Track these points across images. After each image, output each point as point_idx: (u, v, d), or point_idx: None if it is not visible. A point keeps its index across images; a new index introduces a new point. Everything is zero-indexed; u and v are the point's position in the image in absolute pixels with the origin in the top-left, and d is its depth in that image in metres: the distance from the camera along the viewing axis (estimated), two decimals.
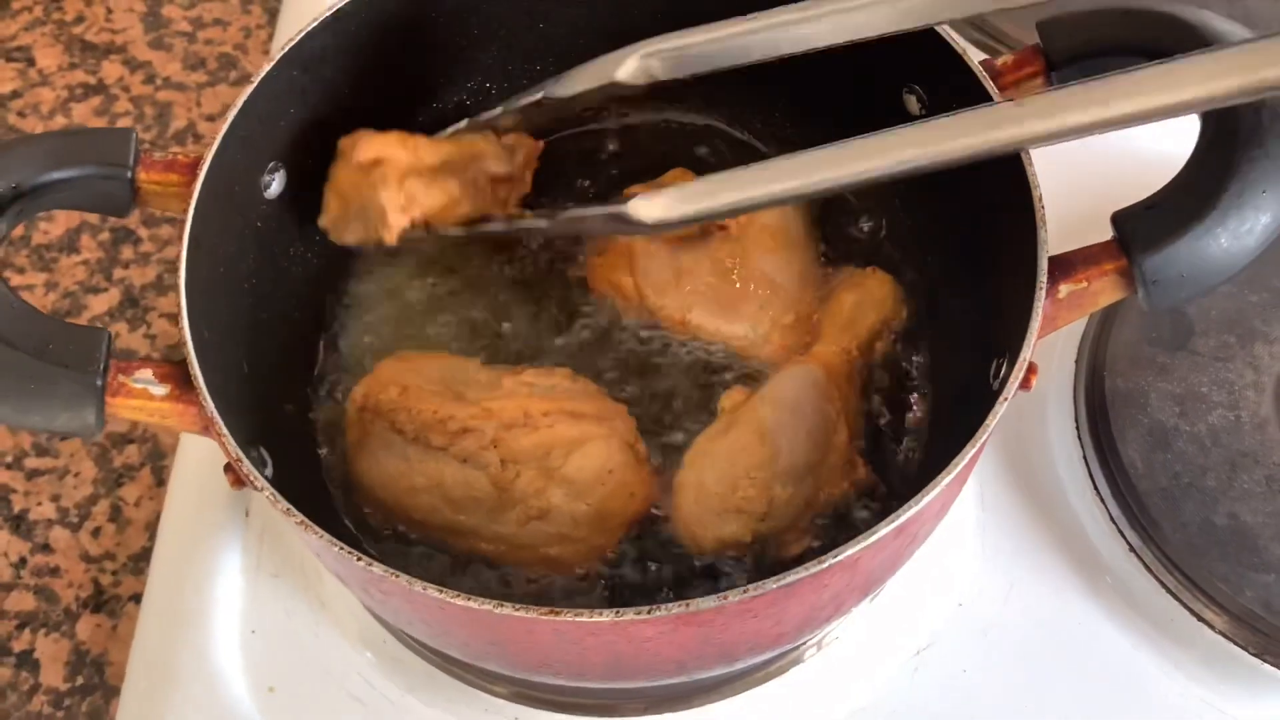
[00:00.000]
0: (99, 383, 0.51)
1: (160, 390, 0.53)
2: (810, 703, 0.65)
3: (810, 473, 0.61)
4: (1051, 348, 0.74)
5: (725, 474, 0.61)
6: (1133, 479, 0.67)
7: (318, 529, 0.49)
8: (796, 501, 0.61)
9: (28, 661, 0.73)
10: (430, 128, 0.74)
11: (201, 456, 0.73)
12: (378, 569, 0.47)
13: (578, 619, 0.46)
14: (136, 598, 0.73)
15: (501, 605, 0.46)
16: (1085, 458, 0.69)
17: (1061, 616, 0.67)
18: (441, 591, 0.46)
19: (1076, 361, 0.72)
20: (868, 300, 0.67)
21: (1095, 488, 0.69)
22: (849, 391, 0.65)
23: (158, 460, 0.79)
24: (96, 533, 0.77)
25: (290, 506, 0.49)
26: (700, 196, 0.54)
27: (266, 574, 0.70)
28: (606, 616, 0.46)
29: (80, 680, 0.73)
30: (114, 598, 0.75)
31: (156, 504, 0.77)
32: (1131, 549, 0.67)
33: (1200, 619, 0.64)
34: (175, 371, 0.53)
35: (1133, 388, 0.70)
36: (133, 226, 0.88)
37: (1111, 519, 0.68)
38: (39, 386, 0.51)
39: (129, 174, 0.58)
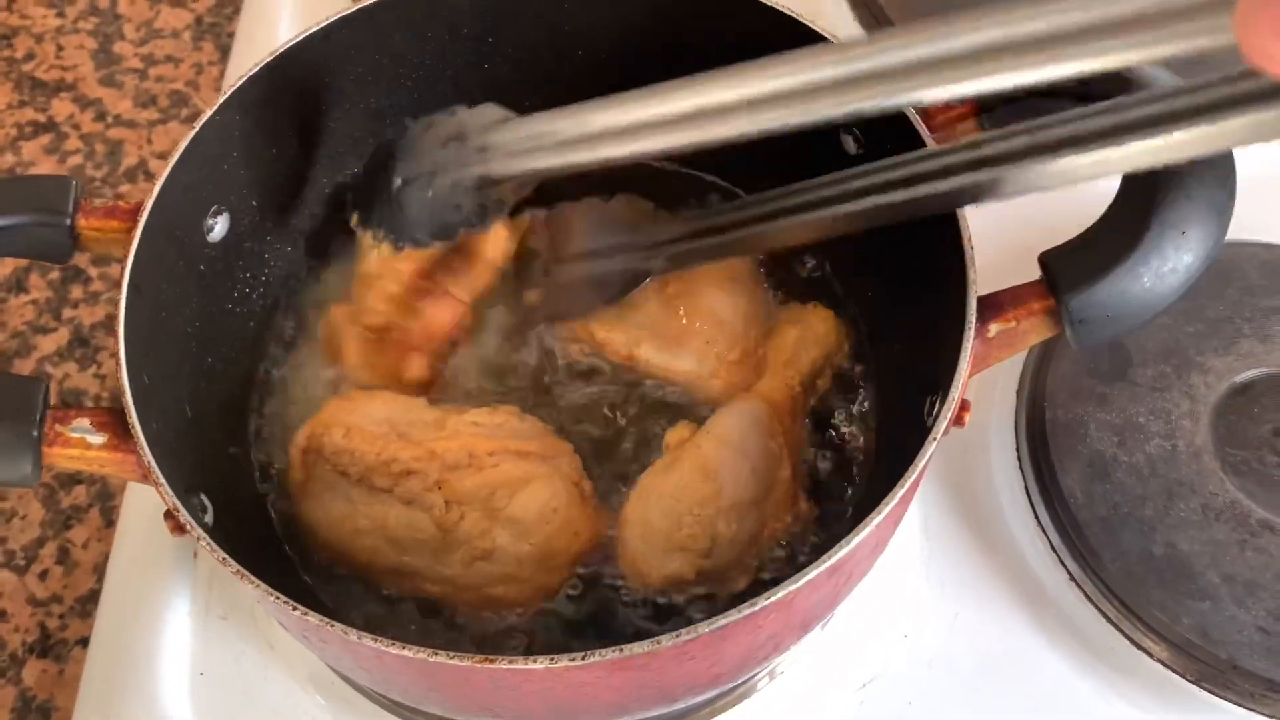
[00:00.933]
0: (35, 433, 0.51)
1: (98, 439, 0.53)
2: None
3: (754, 508, 0.62)
4: (994, 380, 0.75)
5: (669, 510, 0.61)
6: (1073, 509, 0.68)
7: (253, 578, 0.49)
8: (740, 538, 0.61)
9: None
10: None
11: (150, 498, 0.73)
12: (313, 618, 0.47)
13: (512, 666, 0.46)
14: (84, 641, 0.73)
15: (436, 654, 0.46)
16: (1026, 488, 0.70)
17: (1005, 646, 0.68)
18: (377, 641, 0.47)
19: (1018, 393, 0.74)
20: (809, 335, 0.68)
21: (1037, 518, 0.69)
22: (793, 426, 0.66)
23: (106, 501, 0.78)
24: (44, 575, 0.76)
25: (226, 556, 0.49)
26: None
27: (215, 616, 0.70)
28: (540, 664, 0.46)
29: None
30: (61, 642, 0.74)
31: (105, 545, 0.76)
32: (1072, 578, 0.68)
33: (1139, 647, 0.65)
34: (113, 420, 0.53)
35: (1072, 418, 0.71)
36: (82, 266, 0.88)
37: (1053, 548, 0.68)
38: None
39: (68, 221, 0.58)
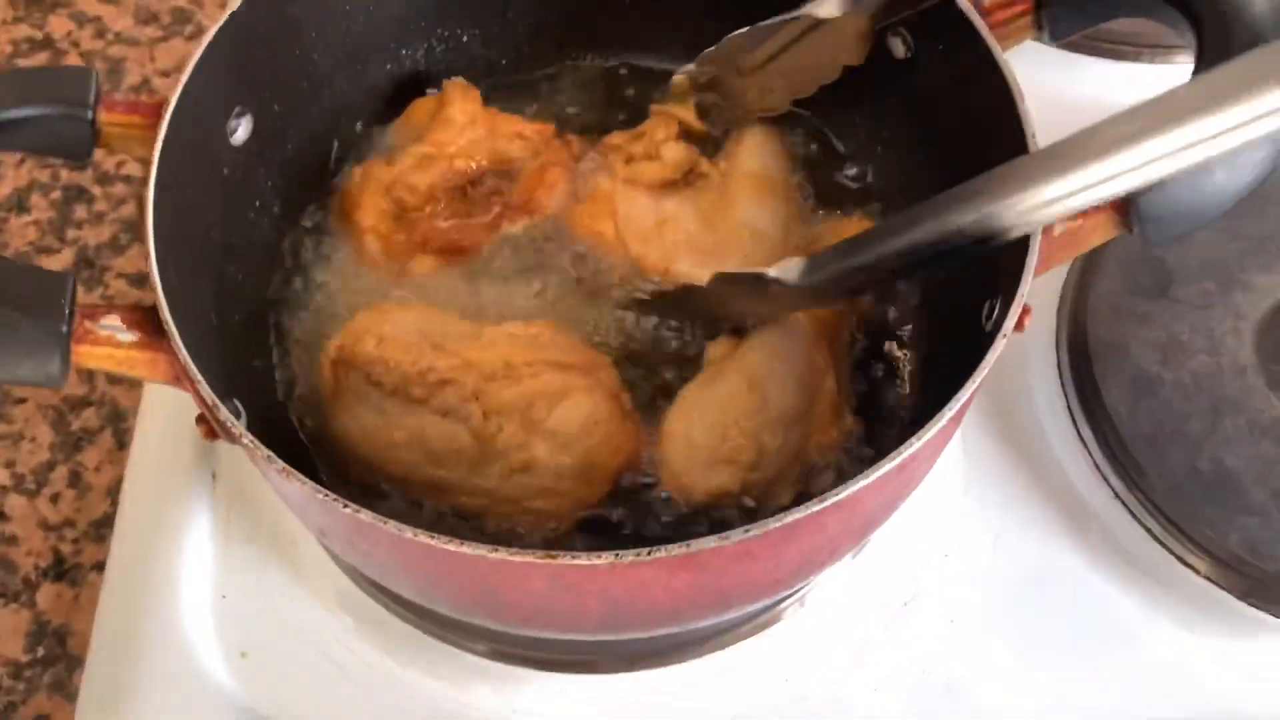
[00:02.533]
0: (64, 329, 0.49)
1: (128, 337, 0.50)
2: (798, 655, 0.64)
3: (799, 421, 0.60)
4: (1033, 299, 0.73)
5: (714, 423, 0.60)
6: (1117, 426, 0.67)
7: (301, 477, 0.47)
8: (786, 450, 0.60)
9: None
10: (398, 75, 0.72)
11: (165, 418, 0.71)
12: (366, 516, 0.45)
13: (575, 562, 0.44)
14: (99, 566, 0.71)
15: (496, 550, 0.44)
16: (1069, 407, 0.69)
17: (1048, 565, 0.67)
18: (434, 538, 0.45)
19: (1058, 312, 0.72)
20: None
21: (1079, 436, 0.68)
22: (835, 339, 0.64)
23: (118, 423, 0.76)
24: (55, 499, 0.74)
25: (271, 454, 0.48)
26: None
27: (237, 539, 0.68)
28: (605, 559, 0.44)
29: (41, 651, 0.70)
30: (75, 566, 0.72)
31: (118, 469, 0.74)
32: (1116, 495, 0.67)
33: (1185, 564, 0.65)
34: (144, 318, 0.51)
35: (1115, 336, 0.69)
36: (86, 185, 0.85)
37: (1096, 466, 0.67)
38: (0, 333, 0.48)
39: (90, 114, 0.55)
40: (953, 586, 0.66)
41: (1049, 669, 0.64)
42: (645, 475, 0.61)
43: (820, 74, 0.67)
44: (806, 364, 0.61)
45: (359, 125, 0.72)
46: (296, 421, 0.64)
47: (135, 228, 0.83)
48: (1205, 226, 0.52)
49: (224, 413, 0.49)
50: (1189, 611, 0.65)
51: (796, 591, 0.64)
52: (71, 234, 0.83)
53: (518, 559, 0.44)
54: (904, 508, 0.67)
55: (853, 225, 0.67)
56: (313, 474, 0.62)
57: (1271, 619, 0.63)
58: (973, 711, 0.63)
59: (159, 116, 0.55)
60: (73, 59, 0.91)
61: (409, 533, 0.45)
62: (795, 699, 0.63)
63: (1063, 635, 0.65)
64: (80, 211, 0.84)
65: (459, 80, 0.71)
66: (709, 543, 0.44)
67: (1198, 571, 0.64)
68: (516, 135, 0.69)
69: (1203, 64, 0.52)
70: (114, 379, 0.78)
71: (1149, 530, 0.66)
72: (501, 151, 0.69)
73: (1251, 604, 0.63)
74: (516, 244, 0.68)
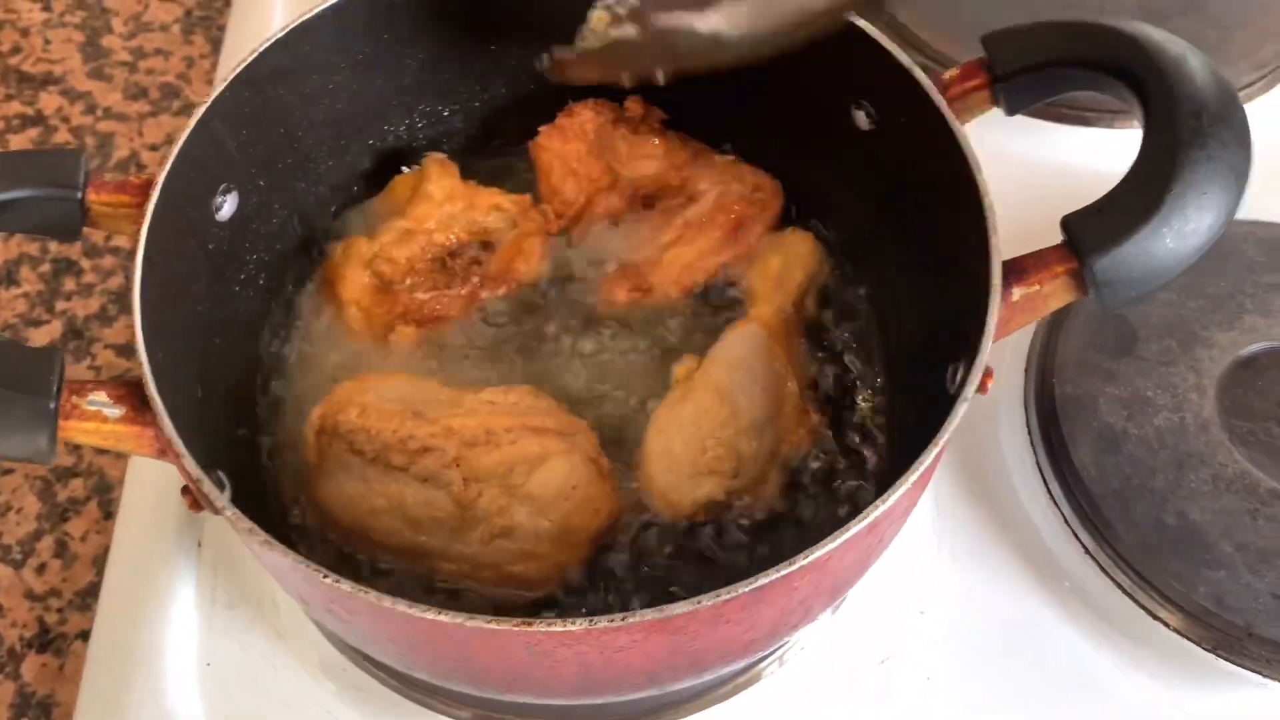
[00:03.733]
0: (52, 406, 0.50)
1: (115, 412, 0.52)
2: (778, 714, 0.65)
3: (769, 424, 0.63)
4: (1001, 358, 0.75)
5: (691, 438, 0.62)
6: (1085, 482, 0.68)
7: (283, 548, 0.48)
8: (762, 454, 0.62)
9: None
10: (381, 150, 0.74)
11: (151, 487, 0.72)
12: (346, 586, 0.46)
13: (550, 629, 0.45)
14: (84, 635, 0.71)
15: (473, 618, 0.45)
16: (1038, 463, 0.71)
17: (1021, 619, 0.68)
18: (411, 607, 0.46)
19: (1026, 370, 0.74)
20: (792, 258, 0.70)
21: (1049, 491, 0.70)
22: (791, 346, 0.67)
23: (104, 493, 0.77)
24: (41, 569, 0.75)
25: (254, 526, 0.49)
26: None
27: (221, 606, 0.69)
28: (579, 625, 0.45)
29: None
30: (60, 636, 0.72)
31: (104, 538, 0.75)
32: (1086, 550, 0.68)
33: (1155, 617, 0.66)
34: (130, 393, 0.52)
35: (1081, 393, 0.71)
36: (74, 257, 0.86)
37: (1066, 522, 0.69)
38: None
39: (79, 194, 0.57)
40: (928, 643, 0.67)
41: None
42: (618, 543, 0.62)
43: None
44: (768, 371, 0.65)
45: (343, 200, 0.74)
46: (280, 490, 0.65)
47: (123, 299, 0.84)
48: (1157, 290, 0.54)
49: (208, 485, 0.50)
50: (1160, 665, 0.66)
51: (774, 651, 0.65)
52: (60, 305, 0.85)
53: (493, 626, 0.45)
54: (879, 564, 0.68)
55: (788, 237, 0.71)
56: (294, 543, 0.64)
57: (1241, 671, 0.64)
58: None
59: (146, 196, 0.57)
60: (63, 134, 0.93)
61: (387, 601, 0.46)
62: None
63: (1036, 689, 0.66)
64: (69, 284, 0.86)
65: (438, 156, 0.73)
66: (681, 607, 0.45)
67: (1167, 625, 0.65)
68: (494, 207, 0.71)
69: (1149, 137, 0.54)
70: (100, 450, 0.79)
71: (1119, 584, 0.67)
72: (479, 223, 0.71)
73: (1221, 656, 0.64)
74: (497, 311, 0.70)
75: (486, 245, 0.71)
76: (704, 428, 0.62)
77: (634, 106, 0.74)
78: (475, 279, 0.70)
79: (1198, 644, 0.65)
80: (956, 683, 0.66)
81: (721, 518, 0.63)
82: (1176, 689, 0.65)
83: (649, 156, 0.72)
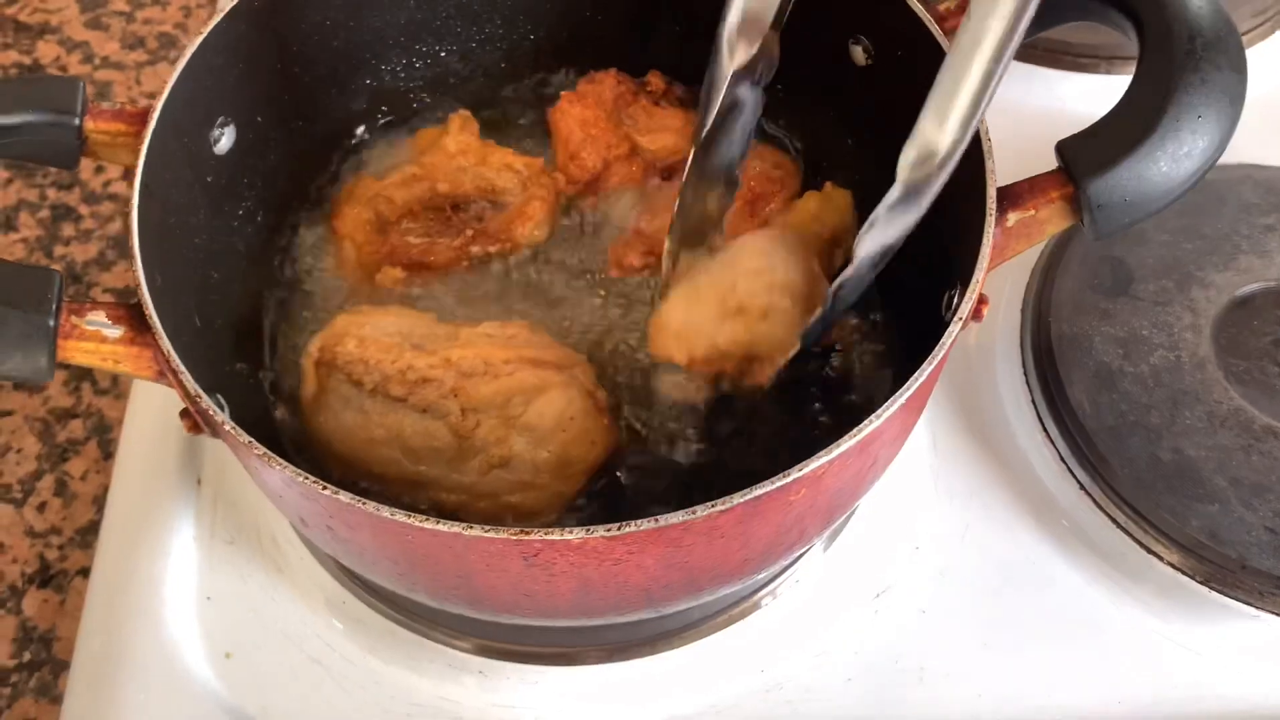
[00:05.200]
0: (51, 323, 0.50)
1: (114, 332, 0.52)
2: (773, 646, 0.65)
3: (801, 300, 0.61)
4: (999, 298, 0.75)
5: (720, 279, 0.61)
6: (1080, 419, 0.68)
7: (281, 461, 0.48)
8: (789, 322, 0.61)
9: None
10: (380, 91, 0.74)
11: (151, 424, 0.72)
12: (344, 497, 0.47)
13: (548, 537, 0.45)
14: (85, 572, 0.71)
15: (470, 528, 0.46)
16: (1034, 401, 0.71)
17: (1016, 556, 0.68)
18: (410, 517, 0.46)
19: (1022, 311, 0.74)
20: (829, 207, 0.68)
21: (1044, 429, 0.70)
22: (828, 260, 0.65)
23: (104, 434, 0.77)
24: (42, 508, 0.75)
25: (252, 440, 0.49)
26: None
27: (221, 541, 0.69)
28: (577, 535, 0.46)
29: (28, 656, 0.71)
30: (61, 572, 0.73)
31: (104, 478, 0.75)
32: (1082, 487, 0.68)
33: (1150, 551, 0.66)
34: (129, 314, 0.52)
35: (1077, 332, 0.71)
36: (73, 204, 0.86)
37: (1061, 458, 0.69)
38: None
39: (77, 122, 0.57)
40: (924, 578, 0.68)
41: (1019, 657, 0.65)
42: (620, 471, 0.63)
43: None
44: (804, 255, 0.63)
45: (345, 142, 0.74)
46: (278, 424, 0.66)
47: (122, 245, 0.85)
48: (1150, 217, 0.54)
49: (206, 402, 0.50)
50: (1154, 598, 0.66)
51: (769, 583, 0.66)
52: (59, 251, 0.85)
53: (492, 535, 0.46)
54: (874, 501, 0.69)
55: (829, 190, 0.69)
56: None
57: (1234, 604, 0.65)
58: (944, 700, 0.64)
59: (144, 124, 0.57)
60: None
61: (386, 512, 0.46)
62: (770, 688, 0.64)
63: (1032, 624, 0.66)
64: (68, 229, 0.86)
65: (463, 112, 0.73)
66: (677, 517, 0.46)
67: (1161, 559, 0.66)
68: (505, 167, 0.71)
69: (1144, 62, 0.54)
70: (100, 391, 0.80)
71: (1114, 520, 0.67)
72: (489, 181, 0.71)
73: (1214, 589, 0.65)
74: (495, 267, 0.70)
75: (497, 204, 0.72)
76: (737, 270, 0.60)
77: (655, 80, 0.74)
78: (469, 232, 0.70)
79: (1191, 577, 0.65)
80: (951, 617, 0.66)
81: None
82: (1171, 622, 0.66)
83: (668, 129, 0.72)
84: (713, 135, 0.62)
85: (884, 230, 0.54)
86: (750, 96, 0.62)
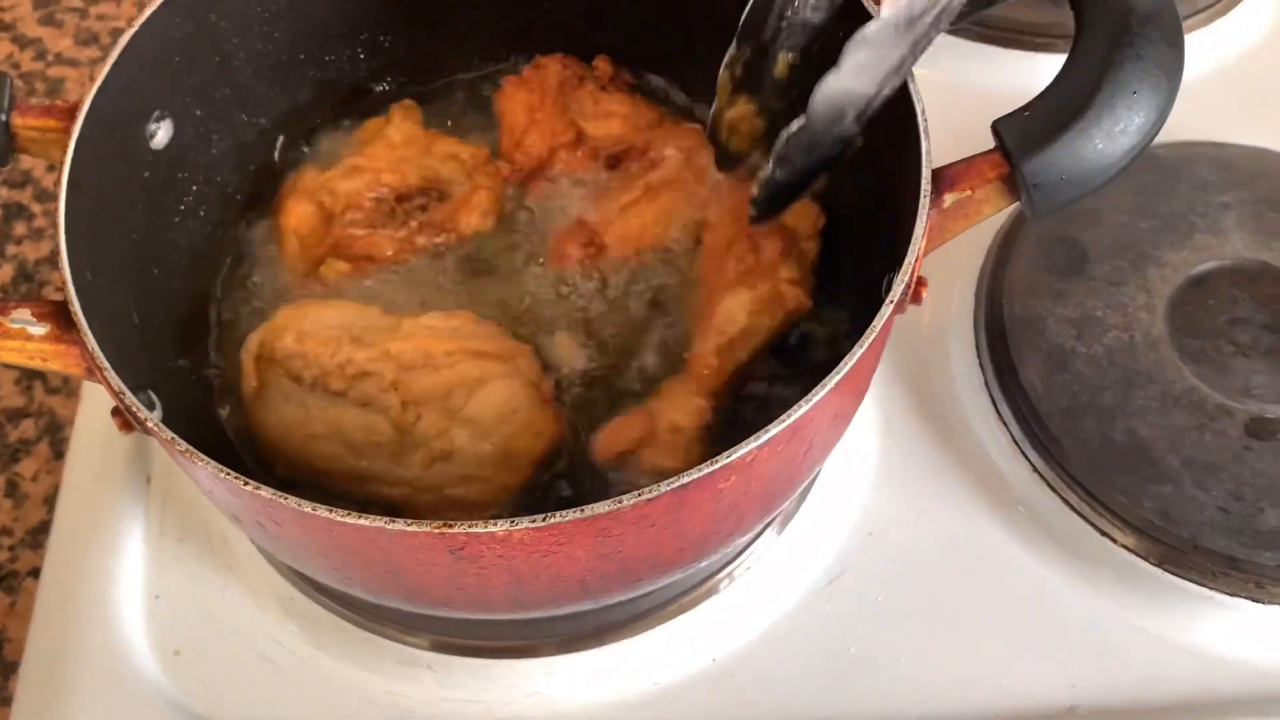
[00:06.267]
0: None
1: (39, 330, 0.51)
2: (724, 634, 0.65)
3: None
4: (952, 281, 0.75)
5: None
6: (1033, 400, 0.68)
7: (204, 457, 0.48)
8: None
9: None
10: (323, 81, 0.73)
11: (101, 423, 0.71)
12: (266, 493, 0.46)
13: (471, 529, 0.45)
14: (35, 572, 0.71)
15: (393, 522, 0.45)
16: (986, 383, 0.70)
17: (971, 540, 0.68)
18: (332, 511, 0.46)
19: (975, 292, 0.74)
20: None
21: (998, 412, 0.70)
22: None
23: (55, 433, 0.77)
24: None
25: (175, 437, 0.48)
26: None
27: (170, 539, 0.69)
28: (501, 527, 0.45)
29: None
30: (11, 573, 0.73)
31: (54, 478, 0.75)
32: (1035, 469, 0.68)
33: (1104, 534, 0.66)
34: (54, 311, 0.52)
35: (1031, 314, 0.71)
36: (25, 202, 0.86)
37: (1014, 440, 0.69)
38: None
39: (4, 118, 0.57)
40: (877, 563, 0.67)
41: (973, 643, 0.65)
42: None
43: None
44: None
45: (291, 134, 0.73)
46: (222, 422, 0.65)
47: None
48: (1088, 194, 0.53)
49: (130, 399, 0.50)
50: (1109, 581, 0.66)
51: (720, 571, 0.65)
52: (11, 250, 0.84)
53: (414, 529, 0.45)
54: (827, 487, 0.69)
55: None
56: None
57: (1188, 585, 0.64)
58: (898, 687, 0.64)
59: (73, 119, 0.57)
60: (14, 82, 0.92)
61: (308, 508, 0.46)
62: (721, 677, 0.64)
63: (987, 609, 0.66)
64: (20, 228, 0.85)
65: (406, 102, 0.73)
66: (604, 506, 0.45)
67: (1115, 541, 0.65)
68: (450, 156, 0.71)
69: (1080, 38, 0.54)
70: (52, 390, 0.79)
71: (1067, 502, 0.67)
72: (433, 170, 0.71)
73: (1168, 570, 0.64)
74: (439, 257, 0.69)
75: (441, 195, 0.71)
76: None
77: (603, 65, 0.73)
78: (414, 224, 0.69)
79: (1145, 559, 0.65)
80: (906, 603, 0.66)
81: None
82: (1126, 605, 0.65)
83: (614, 116, 0.71)
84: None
85: (852, 76, 0.52)
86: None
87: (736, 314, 0.63)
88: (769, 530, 0.67)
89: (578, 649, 0.64)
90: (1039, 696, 0.63)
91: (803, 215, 0.65)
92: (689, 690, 0.64)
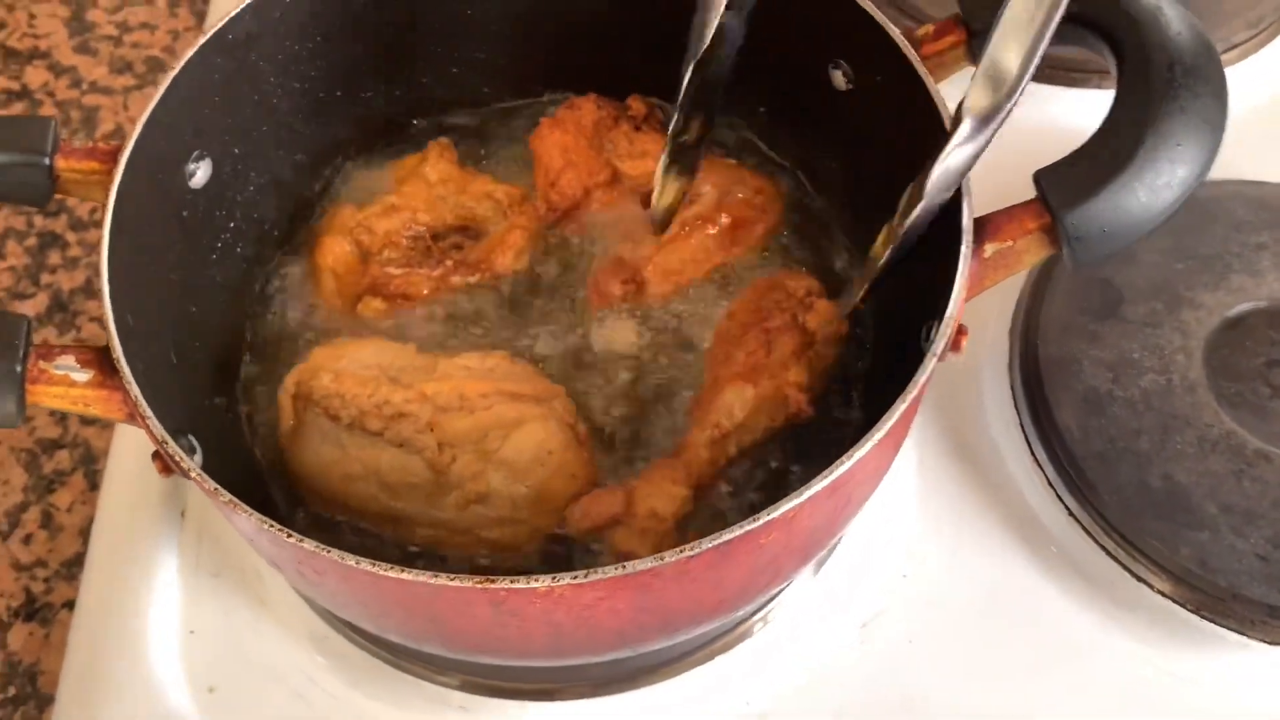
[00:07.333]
0: (19, 369, 0.50)
1: (82, 376, 0.52)
2: (756, 679, 0.65)
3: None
4: (985, 322, 0.74)
5: None
6: (1069, 444, 0.68)
7: (247, 508, 0.48)
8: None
9: None
10: (359, 118, 0.74)
11: (136, 457, 0.72)
12: (309, 545, 0.46)
13: (514, 586, 0.45)
14: (70, 604, 0.71)
15: (436, 576, 0.45)
16: (1021, 425, 0.70)
17: (1005, 583, 0.67)
18: (374, 565, 0.46)
19: (1010, 333, 0.73)
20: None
21: (1033, 454, 0.69)
22: None
23: (90, 465, 0.77)
24: (27, 540, 0.75)
25: (218, 487, 0.49)
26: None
27: (205, 574, 0.69)
28: (543, 583, 0.45)
29: (12, 690, 0.71)
30: (46, 605, 0.73)
31: (89, 509, 0.75)
32: (1070, 513, 0.67)
33: (1139, 579, 0.65)
34: (97, 357, 0.52)
35: (1065, 355, 0.70)
36: (60, 231, 0.86)
37: (1049, 484, 0.68)
38: None
39: (48, 161, 0.57)
40: (912, 606, 0.67)
41: (1007, 687, 0.64)
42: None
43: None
44: None
45: (328, 170, 0.74)
46: (258, 459, 0.65)
47: None
48: (1128, 245, 0.53)
49: (173, 447, 0.50)
50: (1145, 627, 0.66)
51: (754, 614, 0.65)
52: (46, 279, 0.85)
53: (456, 584, 0.45)
54: (862, 528, 0.68)
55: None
56: (275, 511, 0.64)
57: (1226, 633, 0.64)
58: None
59: (115, 162, 0.57)
60: (48, 108, 0.93)
61: (351, 560, 0.46)
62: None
63: (1020, 653, 0.65)
64: (54, 257, 0.86)
65: (442, 140, 0.73)
66: (646, 563, 0.45)
67: (1152, 587, 0.65)
68: (486, 195, 0.71)
69: (1123, 89, 0.53)
70: (87, 421, 0.80)
71: (1103, 547, 0.66)
72: (469, 209, 0.71)
73: (1205, 618, 0.64)
74: (476, 298, 0.69)
75: (477, 235, 0.71)
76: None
77: (636, 104, 0.73)
78: (449, 262, 0.70)
79: (1182, 606, 0.64)
80: (939, 646, 0.66)
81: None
82: (1161, 651, 0.65)
83: (650, 154, 0.71)
84: (704, 62, 0.61)
85: (954, 159, 0.54)
86: (735, 25, 0.61)
87: (735, 409, 0.62)
88: (804, 572, 0.67)
89: (610, 692, 0.64)
90: None
91: (825, 319, 0.64)
92: None
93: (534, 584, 0.45)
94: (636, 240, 0.70)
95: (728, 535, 0.46)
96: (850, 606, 0.67)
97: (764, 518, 0.46)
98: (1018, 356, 0.72)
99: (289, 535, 0.47)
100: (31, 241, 0.86)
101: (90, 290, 0.85)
